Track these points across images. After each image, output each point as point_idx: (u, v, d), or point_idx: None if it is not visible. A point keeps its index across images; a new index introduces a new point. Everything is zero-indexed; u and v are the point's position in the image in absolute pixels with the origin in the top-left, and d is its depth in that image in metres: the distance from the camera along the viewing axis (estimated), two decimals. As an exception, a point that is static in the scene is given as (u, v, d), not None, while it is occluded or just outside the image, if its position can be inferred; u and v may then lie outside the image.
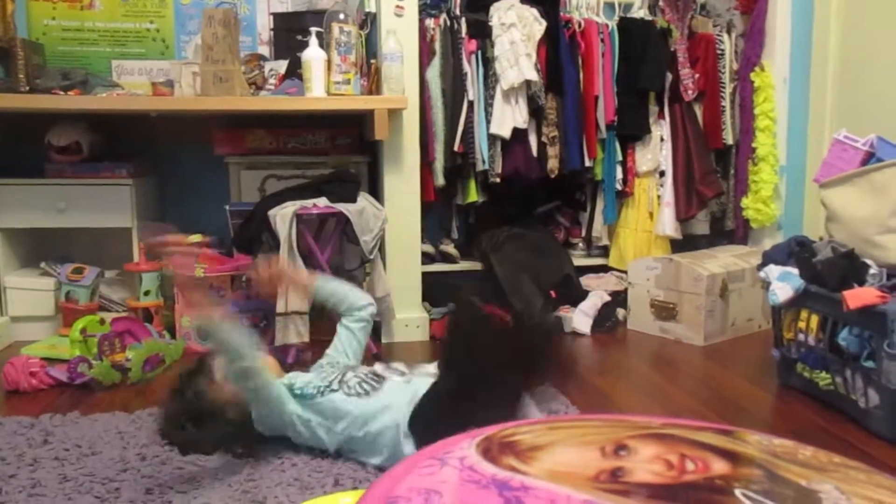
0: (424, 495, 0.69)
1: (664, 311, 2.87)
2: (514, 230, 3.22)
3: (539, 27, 3.04)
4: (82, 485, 1.58)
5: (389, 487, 0.71)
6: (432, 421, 1.53)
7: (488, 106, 3.06)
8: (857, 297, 1.86)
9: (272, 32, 3.12)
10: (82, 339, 2.28)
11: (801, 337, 2.11)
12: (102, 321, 2.39)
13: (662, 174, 3.28)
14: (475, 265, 3.21)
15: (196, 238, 2.76)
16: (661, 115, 3.27)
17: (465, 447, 0.79)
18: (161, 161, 3.18)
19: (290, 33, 2.98)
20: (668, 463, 0.75)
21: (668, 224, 3.25)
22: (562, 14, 3.13)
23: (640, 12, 3.27)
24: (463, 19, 3.05)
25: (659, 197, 3.29)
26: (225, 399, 1.69)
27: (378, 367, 1.82)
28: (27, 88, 2.67)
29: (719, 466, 0.75)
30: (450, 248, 3.22)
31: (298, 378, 1.80)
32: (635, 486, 0.70)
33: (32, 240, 2.93)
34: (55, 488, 1.57)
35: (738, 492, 0.69)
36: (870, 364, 1.87)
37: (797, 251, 2.22)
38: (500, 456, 0.77)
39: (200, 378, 1.74)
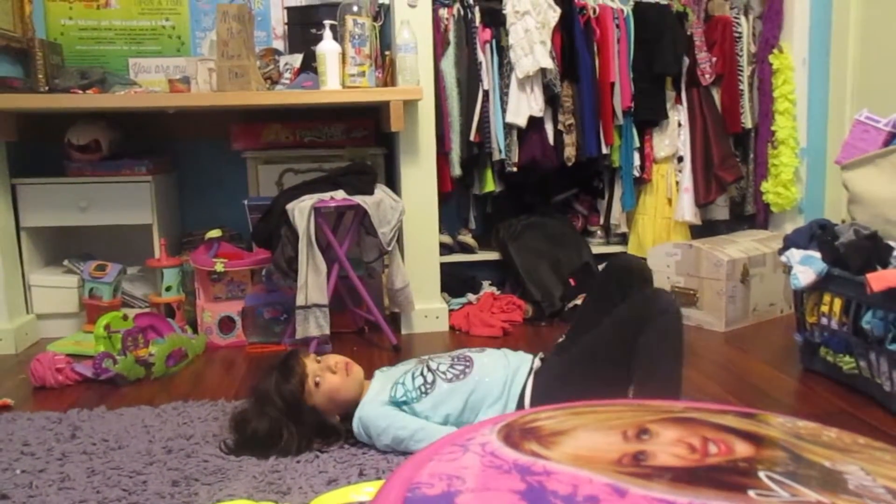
0: (447, 481, 0.69)
1: (685, 298, 2.85)
2: (531, 219, 3.22)
3: (553, 14, 3.02)
4: (110, 478, 1.60)
5: (412, 473, 0.72)
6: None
7: (504, 95, 3.05)
8: (881, 279, 1.83)
9: (286, 26, 3.13)
10: (106, 335, 2.31)
11: (825, 321, 2.09)
12: (125, 317, 2.42)
13: (681, 160, 3.26)
14: (493, 255, 3.21)
15: (216, 233, 2.78)
16: (678, 100, 3.24)
17: (486, 433, 0.80)
18: (179, 157, 3.21)
19: (304, 27, 2.99)
20: (691, 446, 0.75)
21: (687, 210, 3.23)
22: (576, 0, 3.11)
23: (655, -4, 3.24)
24: (476, 8, 3.04)
25: (677, 183, 3.26)
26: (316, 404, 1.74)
27: (457, 352, 1.84)
28: (46, 88, 2.71)
29: (742, 449, 0.74)
30: (468, 239, 3.22)
31: (391, 390, 1.76)
32: (658, 469, 0.70)
33: (55, 238, 2.97)
34: (84, 482, 1.59)
35: (761, 474, 0.68)
36: (894, 347, 1.84)
37: (819, 234, 2.19)
38: (522, 441, 0.77)
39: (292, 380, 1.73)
